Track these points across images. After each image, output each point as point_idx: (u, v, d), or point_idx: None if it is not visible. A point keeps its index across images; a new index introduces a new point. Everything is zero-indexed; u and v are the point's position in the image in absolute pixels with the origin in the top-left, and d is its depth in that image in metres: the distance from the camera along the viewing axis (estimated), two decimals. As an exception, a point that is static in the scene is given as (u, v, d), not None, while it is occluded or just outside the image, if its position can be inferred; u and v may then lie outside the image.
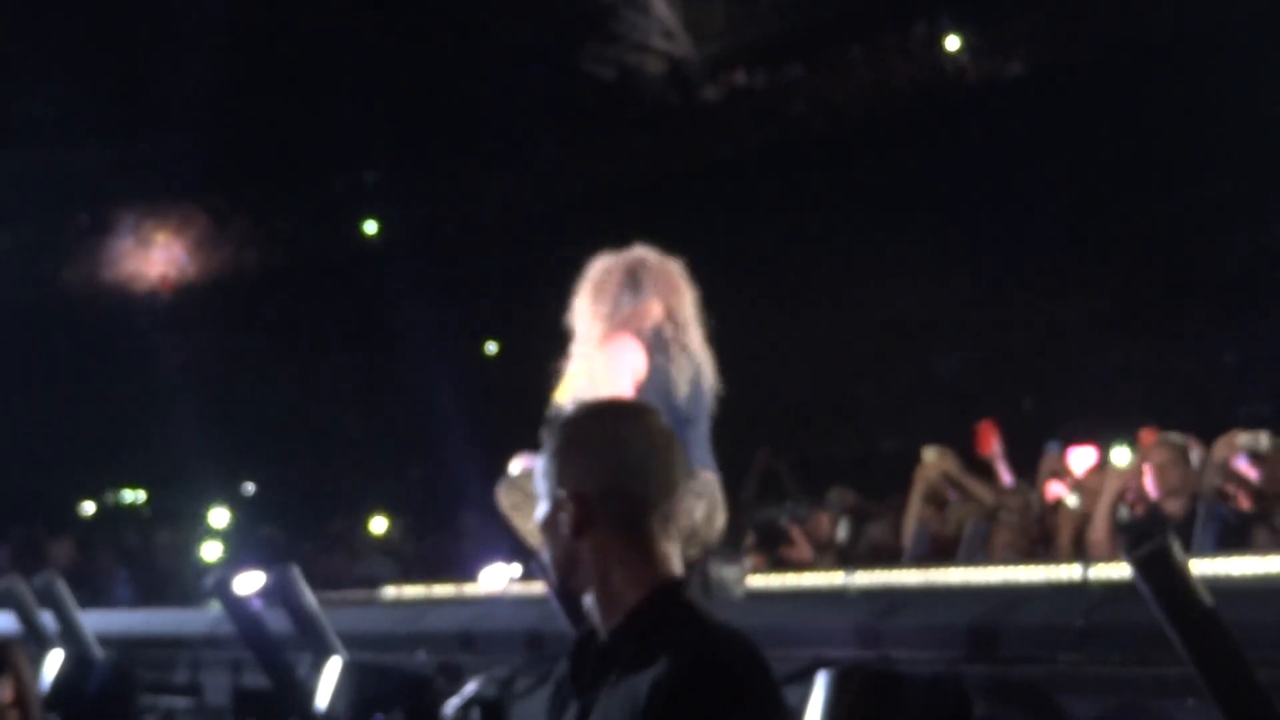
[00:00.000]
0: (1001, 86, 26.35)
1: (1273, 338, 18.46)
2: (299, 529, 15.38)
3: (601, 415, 2.75)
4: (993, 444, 9.35)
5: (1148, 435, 8.28)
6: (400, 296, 23.62)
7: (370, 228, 30.38)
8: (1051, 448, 9.30)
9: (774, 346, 24.06)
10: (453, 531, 13.69)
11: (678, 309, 5.85)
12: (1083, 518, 7.52)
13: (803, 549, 8.89)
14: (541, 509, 2.76)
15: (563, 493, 2.68)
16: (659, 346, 5.73)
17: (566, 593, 3.42)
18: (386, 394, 24.53)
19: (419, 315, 22.29)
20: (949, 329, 22.67)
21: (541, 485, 2.75)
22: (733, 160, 29.12)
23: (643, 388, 5.70)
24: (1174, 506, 6.95)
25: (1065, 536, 7.67)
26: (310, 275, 28.21)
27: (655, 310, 5.79)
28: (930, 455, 8.91)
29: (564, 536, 2.72)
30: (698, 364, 5.87)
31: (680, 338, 5.83)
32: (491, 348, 22.18)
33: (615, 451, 2.69)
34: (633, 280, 5.88)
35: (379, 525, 15.18)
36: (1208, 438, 8.34)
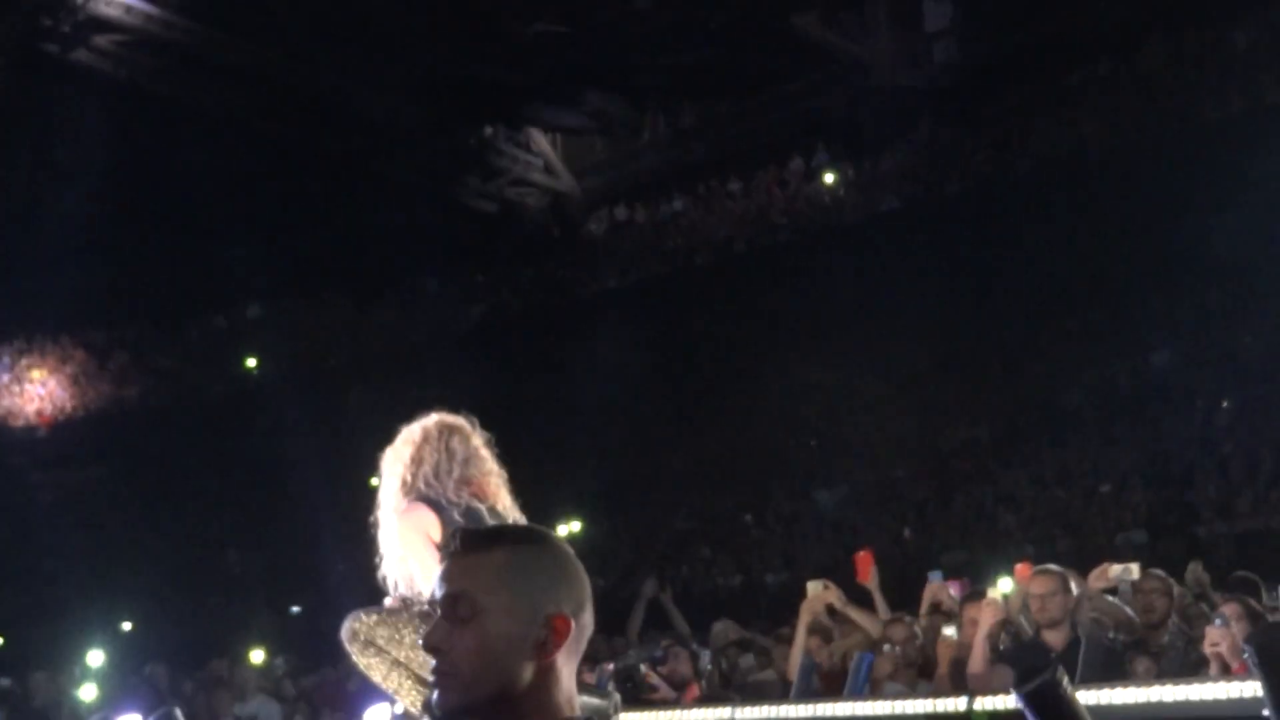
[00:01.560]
0: (877, 219, 26.82)
1: (1148, 468, 18.80)
2: (179, 667, 15.07)
3: (554, 540, 2.60)
4: (870, 574, 9.37)
5: (1024, 569, 8.38)
6: (282, 431, 23.47)
7: (251, 362, 30.28)
8: (933, 578, 9.38)
9: (657, 478, 24.14)
10: (336, 669, 13.50)
11: (477, 473, 5.91)
12: (961, 648, 7.59)
13: (663, 691, 8.78)
14: (495, 629, 2.48)
15: (543, 614, 2.45)
16: (456, 509, 5.79)
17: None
18: (269, 529, 24.28)
19: (301, 449, 22.14)
20: (829, 460, 22.85)
21: (494, 605, 2.47)
22: (614, 292, 29.40)
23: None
24: (1054, 637, 7.04)
25: (944, 667, 7.73)
26: (191, 410, 27.98)
27: (450, 482, 5.86)
28: (814, 588, 8.93)
29: (510, 666, 2.44)
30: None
31: (482, 496, 5.88)
32: (375, 480, 22.00)
33: (578, 576, 2.53)
34: (432, 448, 5.95)
35: (260, 659, 14.94)
36: (1085, 565, 8.47)
